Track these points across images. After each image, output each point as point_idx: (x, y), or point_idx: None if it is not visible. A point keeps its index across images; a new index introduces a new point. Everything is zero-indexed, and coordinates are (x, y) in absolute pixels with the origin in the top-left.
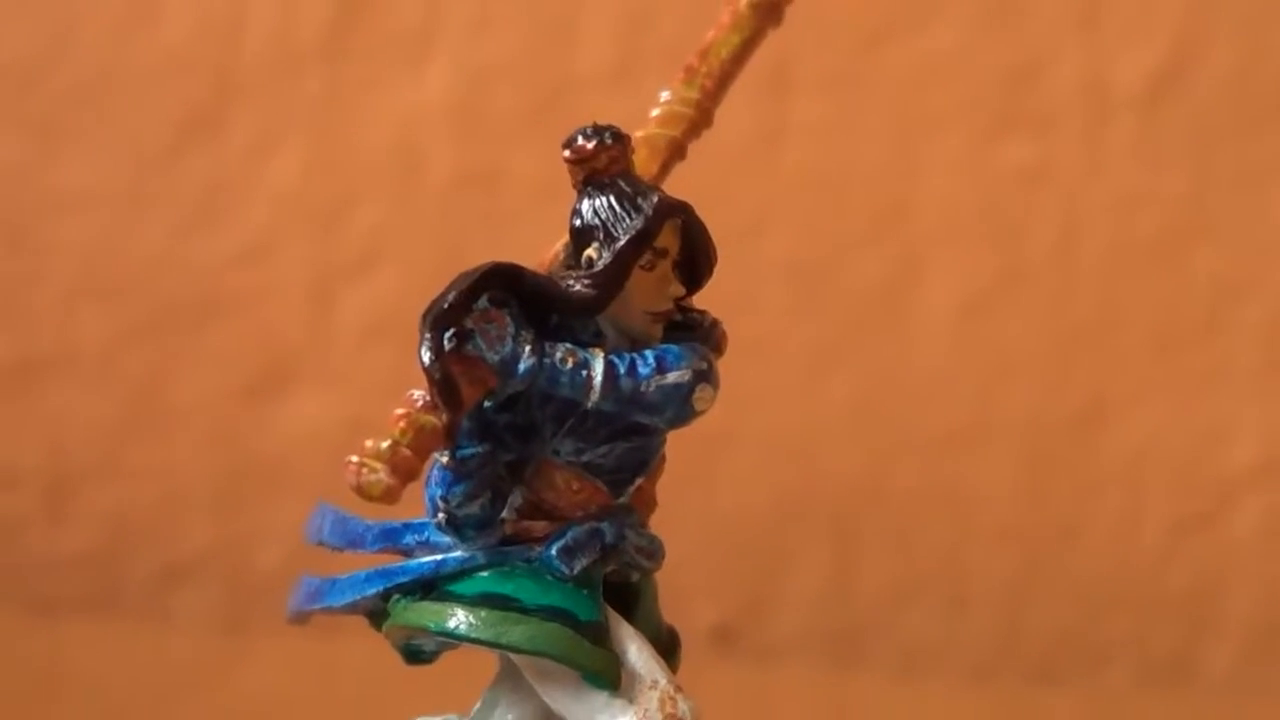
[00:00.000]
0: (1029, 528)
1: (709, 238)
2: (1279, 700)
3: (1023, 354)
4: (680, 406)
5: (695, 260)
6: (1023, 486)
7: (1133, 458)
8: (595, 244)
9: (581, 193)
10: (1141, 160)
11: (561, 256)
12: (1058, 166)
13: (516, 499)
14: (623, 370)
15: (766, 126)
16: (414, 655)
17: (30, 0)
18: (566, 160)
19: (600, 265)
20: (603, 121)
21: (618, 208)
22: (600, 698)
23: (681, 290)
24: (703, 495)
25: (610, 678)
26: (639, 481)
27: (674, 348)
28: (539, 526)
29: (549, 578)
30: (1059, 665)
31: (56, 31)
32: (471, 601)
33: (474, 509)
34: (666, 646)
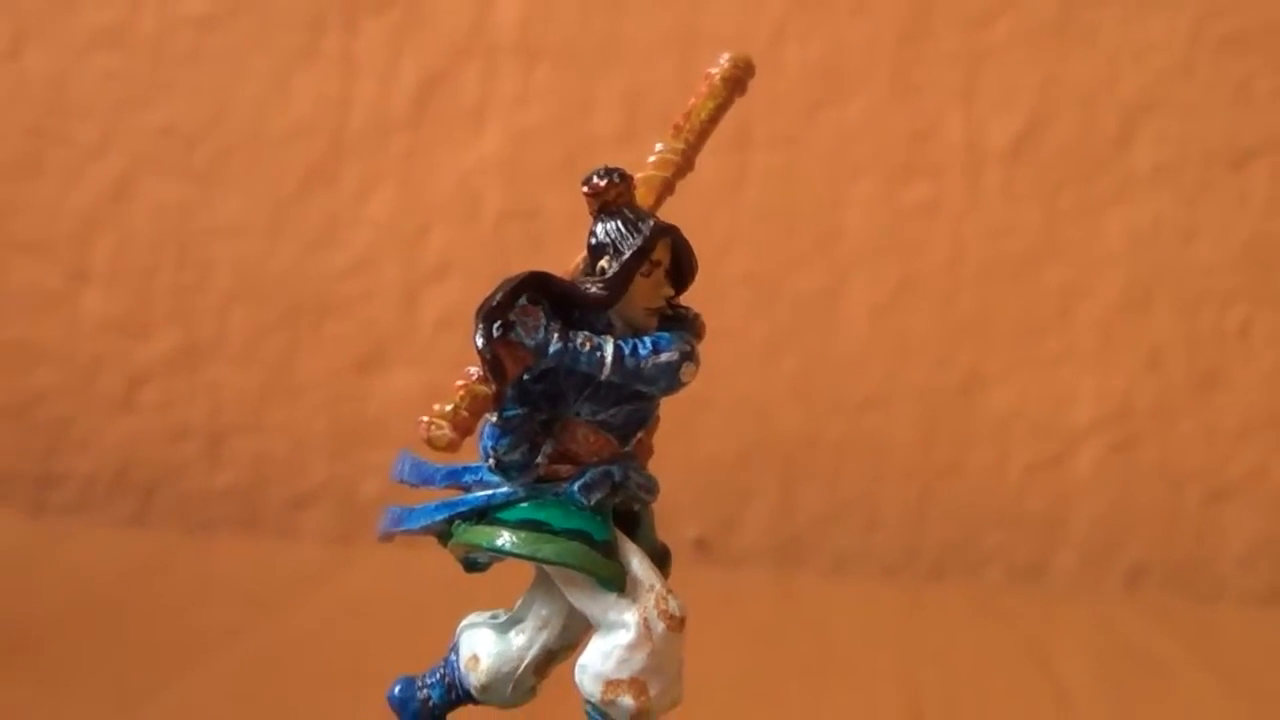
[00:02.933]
0: (924, 468)
1: (692, 252)
2: (1110, 592)
3: (921, 340)
4: (671, 379)
5: (682, 269)
6: (920, 437)
7: (1001, 416)
8: (607, 257)
9: (596, 219)
10: (1007, 199)
11: (581, 267)
12: (946, 203)
13: (548, 448)
14: (627, 352)
15: (732, 172)
16: (471, 565)
17: (195, 83)
18: (585, 195)
19: (610, 273)
20: (612, 165)
21: (623, 229)
22: (611, 598)
23: (671, 291)
24: (687, 444)
25: (618, 583)
26: (640, 435)
27: (666, 335)
28: (565, 469)
29: (572, 507)
30: (947, 568)
31: (214, 106)
32: (514, 525)
33: (516, 456)
34: (660, 559)
